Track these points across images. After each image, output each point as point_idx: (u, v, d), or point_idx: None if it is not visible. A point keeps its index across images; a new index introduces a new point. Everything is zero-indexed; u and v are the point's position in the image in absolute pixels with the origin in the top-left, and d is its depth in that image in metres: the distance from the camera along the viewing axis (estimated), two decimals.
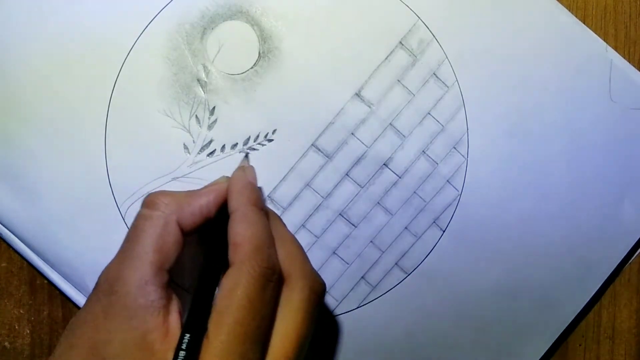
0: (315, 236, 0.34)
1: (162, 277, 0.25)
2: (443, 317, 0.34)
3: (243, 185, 0.28)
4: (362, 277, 0.34)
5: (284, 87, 0.33)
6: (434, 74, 0.33)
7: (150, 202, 0.27)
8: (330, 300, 0.34)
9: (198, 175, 0.33)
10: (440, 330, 0.35)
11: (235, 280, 0.24)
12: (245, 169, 0.30)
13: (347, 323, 0.34)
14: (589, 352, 0.37)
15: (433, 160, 0.34)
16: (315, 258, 0.34)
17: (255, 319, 0.24)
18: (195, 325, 0.24)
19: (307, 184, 0.33)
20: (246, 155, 0.32)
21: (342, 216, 0.34)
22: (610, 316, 0.37)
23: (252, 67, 0.33)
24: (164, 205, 0.26)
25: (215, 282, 0.26)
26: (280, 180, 0.33)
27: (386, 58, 0.33)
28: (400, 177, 0.34)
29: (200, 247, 0.28)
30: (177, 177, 0.33)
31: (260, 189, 0.29)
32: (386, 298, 0.34)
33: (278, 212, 0.33)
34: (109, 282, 0.25)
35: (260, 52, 0.32)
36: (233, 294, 0.24)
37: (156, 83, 0.32)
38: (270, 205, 0.33)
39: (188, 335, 0.24)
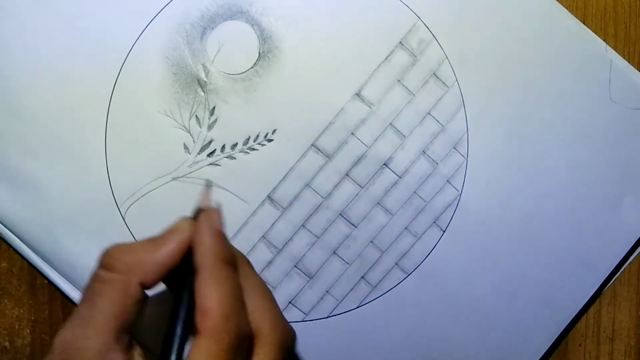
0: (316, 236, 0.34)
1: (124, 340, 0.24)
2: (443, 317, 0.34)
3: (210, 236, 0.25)
4: (362, 277, 0.34)
5: (284, 87, 0.33)
6: (434, 74, 0.33)
7: (107, 264, 0.24)
8: (330, 300, 0.34)
9: (198, 175, 0.33)
10: (440, 330, 0.35)
11: (204, 351, 0.23)
12: (210, 215, 0.26)
13: (347, 323, 0.34)
14: (589, 352, 0.37)
15: (433, 160, 0.34)
16: (315, 258, 0.34)
17: None
18: None
19: (307, 184, 0.33)
20: (208, 185, 0.28)
21: (342, 216, 0.34)
22: (610, 316, 0.37)
23: (252, 67, 0.33)
24: (124, 266, 0.24)
25: (181, 345, 0.24)
26: (280, 180, 0.33)
27: (386, 58, 0.33)
28: (400, 177, 0.34)
29: (163, 298, 0.27)
30: (177, 177, 0.33)
31: (225, 237, 0.26)
32: (386, 298, 0.34)
33: (278, 213, 0.33)
34: (66, 349, 0.23)
35: (261, 52, 0.32)
36: None
37: (156, 83, 0.32)
38: (270, 206, 0.33)
39: None
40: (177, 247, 0.25)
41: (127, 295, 0.24)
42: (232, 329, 0.24)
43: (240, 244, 0.33)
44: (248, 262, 0.28)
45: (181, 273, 0.25)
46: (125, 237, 0.32)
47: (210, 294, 0.24)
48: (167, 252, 0.25)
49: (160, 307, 0.26)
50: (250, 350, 0.25)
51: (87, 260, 0.32)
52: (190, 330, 0.24)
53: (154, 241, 0.25)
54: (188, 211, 0.26)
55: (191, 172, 0.33)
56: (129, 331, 0.24)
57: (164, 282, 0.26)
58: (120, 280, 0.24)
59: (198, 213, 0.26)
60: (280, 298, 0.34)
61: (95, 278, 0.24)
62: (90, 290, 0.24)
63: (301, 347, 0.34)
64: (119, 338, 0.24)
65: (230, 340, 0.23)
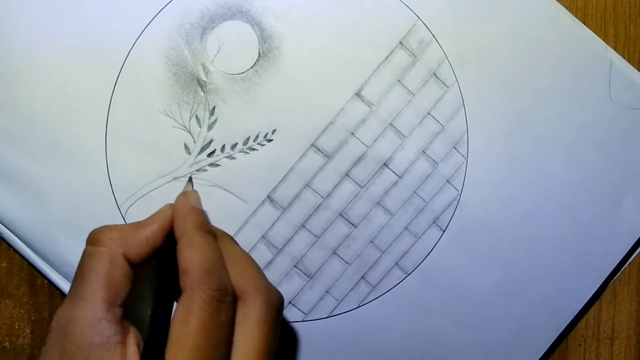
0: (316, 236, 0.34)
1: (115, 312, 0.25)
2: (443, 317, 0.34)
3: (187, 211, 0.28)
4: (362, 277, 0.34)
5: (283, 87, 0.33)
6: (434, 74, 0.33)
7: (94, 239, 0.27)
8: (330, 300, 0.34)
9: (198, 175, 0.33)
10: (440, 330, 0.35)
11: (187, 306, 0.24)
12: (187, 194, 0.30)
13: (347, 323, 0.34)
14: (589, 352, 0.37)
15: (433, 160, 0.34)
16: (315, 258, 0.34)
17: (212, 343, 0.24)
18: (153, 356, 0.24)
19: (307, 184, 0.33)
20: (189, 180, 0.32)
21: (342, 216, 0.34)
22: (610, 316, 0.37)
23: (252, 67, 0.33)
24: (109, 240, 0.26)
25: (169, 310, 0.26)
26: (280, 181, 0.33)
27: (386, 58, 0.33)
28: (400, 177, 0.34)
29: (152, 278, 0.28)
30: (178, 177, 0.33)
31: (204, 212, 0.29)
32: (386, 298, 0.34)
33: (277, 213, 0.33)
34: (61, 324, 0.25)
35: (260, 52, 0.32)
36: (187, 321, 0.24)
37: (156, 83, 0.32)
38: (269, 206, 0.33)
39: None
40: (158, 226, 0.27)
41: (114, 266, 0.26)
42: (212, 283, 0.25)
43: (240, 243, 0.33)
44: (230, 237, 0.30)
45: (165, 253, 0.27)
46: None
47: (190, 256, 0.26)
48: (150, 229, 0.27)
49: (150, 290, 0.28)
50: (234, 311, 0.26)
51: None
52: (177, 296, 0.26)
53: (138, 222, 0.28)
54: None
55: (192, 172, 0.33)
56: (121, 305, 0.26)
57: (151, 268, 0.27)
58: (106, 253, 0.26)
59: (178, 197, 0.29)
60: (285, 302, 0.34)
61: (84, 254, 0.27)
62: (79, 266, 0.26)
63: (301, 347, 0.34)
64: (110, 309, 0.25)
65: (211, 293, 0.25)
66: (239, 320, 0.25)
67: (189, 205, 0.29)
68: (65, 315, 0.25)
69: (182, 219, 0.28)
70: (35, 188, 0.32)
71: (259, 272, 0.28)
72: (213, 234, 0.28)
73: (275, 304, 0.27)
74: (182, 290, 0.25)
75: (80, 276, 0.26)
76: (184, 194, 0.30)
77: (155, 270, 0.28)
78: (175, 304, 0.26)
